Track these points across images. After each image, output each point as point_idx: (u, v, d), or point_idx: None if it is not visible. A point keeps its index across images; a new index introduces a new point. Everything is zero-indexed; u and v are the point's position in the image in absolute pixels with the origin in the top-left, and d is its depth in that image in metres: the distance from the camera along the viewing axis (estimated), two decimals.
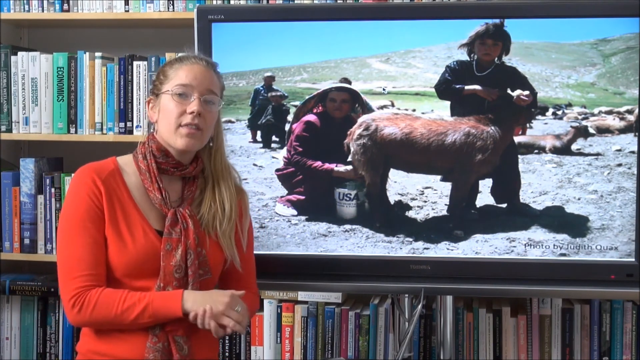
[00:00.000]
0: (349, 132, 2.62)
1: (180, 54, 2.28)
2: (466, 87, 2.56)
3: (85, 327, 2.17)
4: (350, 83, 2.62)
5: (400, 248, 2.60)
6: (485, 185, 2.60)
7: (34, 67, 3.08)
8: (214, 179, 2.24)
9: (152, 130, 2.25)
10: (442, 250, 2.59)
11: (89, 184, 2.14)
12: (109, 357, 2.13)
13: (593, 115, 2.55)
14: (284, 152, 2.67)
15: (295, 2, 2.97)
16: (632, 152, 2.53)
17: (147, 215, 2.17)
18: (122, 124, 3.04)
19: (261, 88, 2.66)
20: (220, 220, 2.20)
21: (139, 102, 3.02)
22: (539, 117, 2.56)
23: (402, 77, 2.60)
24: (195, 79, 2.17)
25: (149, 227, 2.16)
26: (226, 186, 2.24)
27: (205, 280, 2.17)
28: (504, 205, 2.60)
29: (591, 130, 2.55)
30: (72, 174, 2.94)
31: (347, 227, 2.64)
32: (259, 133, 2.68)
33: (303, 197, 2.66)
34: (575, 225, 2.55)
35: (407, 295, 2.75)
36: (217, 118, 2.24)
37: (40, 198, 3.07)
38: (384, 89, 2.61)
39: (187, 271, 2.13)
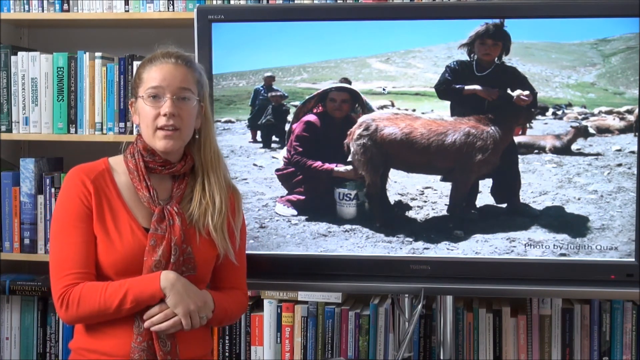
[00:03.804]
0: (349, 132, 2.62)
1: (154, 53, 2.23)
2: (466, 87, 2.56)
3: (77, 323, 2.18)
4: (350, 83, 2.62)
5: (400, 248, 2.60)
6: (485, 185, 2.60)
7: (34, 67, 3.08)
8: (203, 171, 2.23)
9: (139, 130, 2.25)
10: (442, 250, 2.59)
11: (79, 185, 2.17)
12: (97, 353, 2.14)
13: (593, 115, 2.55)
14: (284, 152, 2.67)
15: (295, 2, 2.97)
16: (632, 152, 2.53)
17: (136, 214, 2.18)
18: (122, 124, 3.04)
19: (261, 88, 2.66)
20: (211, 214, 2.20)
21: None
22: (539, 117, 2.56)
23: (402, 77, 2.60)
24: (164, 80, 2.16)
25: (136, 225, 2.17)
26: (216, 178, 2.23)
27: (188, 277, 2.16)
28: (504, 205, 2.60)
29: (591, 130, 2.55)
30: None
31: (347, 227, 2.63)
32: (259, 133, 2.68)
33: (303, 197, 2.65)
34: (575, 225, 2.55)
35: (407, 295, 2.75)
36: (200, 110, 2.23)
37: (40, 198, 3.07)
38: (384, 89, 2.61)
39: (167, 267, 2.12)
